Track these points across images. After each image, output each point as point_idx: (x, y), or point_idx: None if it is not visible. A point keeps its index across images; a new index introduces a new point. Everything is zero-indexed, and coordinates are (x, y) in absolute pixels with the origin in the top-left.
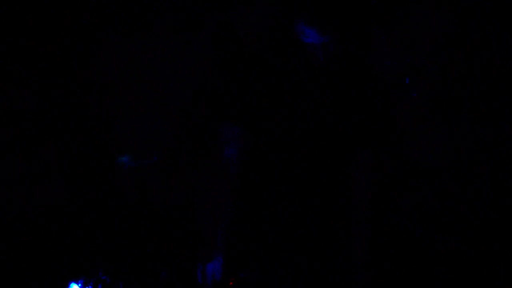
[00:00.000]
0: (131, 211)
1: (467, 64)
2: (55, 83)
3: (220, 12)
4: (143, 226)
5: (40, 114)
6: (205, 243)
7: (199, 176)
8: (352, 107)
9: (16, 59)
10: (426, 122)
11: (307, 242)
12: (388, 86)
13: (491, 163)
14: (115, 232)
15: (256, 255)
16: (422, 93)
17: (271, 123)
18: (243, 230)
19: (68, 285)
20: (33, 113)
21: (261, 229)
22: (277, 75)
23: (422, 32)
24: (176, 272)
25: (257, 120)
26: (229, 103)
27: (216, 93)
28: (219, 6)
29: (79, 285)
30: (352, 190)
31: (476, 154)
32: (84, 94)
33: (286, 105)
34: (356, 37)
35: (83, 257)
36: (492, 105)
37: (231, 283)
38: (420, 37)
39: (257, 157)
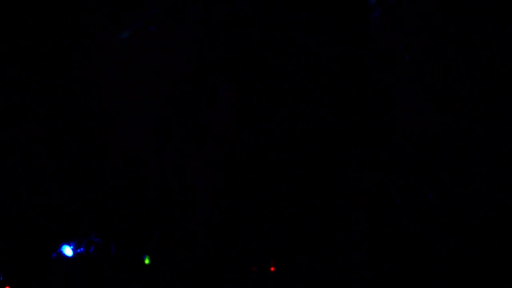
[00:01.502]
0: (123, 176)
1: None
2: (54, 82)
3: None
4: (134, 190)
5: (40, 113)
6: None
7: (194, 139)
8: (352, 106)
9: (16, 59)
10: (426, 121)
11: (307, 242)
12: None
13: (491, 162)
14: (107, 196)
15: (256, 255)
16: (423, 88)
17: (268, 90)
18: (244, 230)
19: (60, 246)
20: (33, 113)
21: (262, 229)
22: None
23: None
24: (167, 234)
25: (254, 82)
26: (225, 64)
27: (212, 54)
28: None
29: (71, 247)
30: (352, 190)
31: (476, 154)
32: (77, 67)
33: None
34: (356, 37)
35: (75, 219)
36: (492, 104)
37: (272, 268)
38: (418, 17)
39: (257, 157)
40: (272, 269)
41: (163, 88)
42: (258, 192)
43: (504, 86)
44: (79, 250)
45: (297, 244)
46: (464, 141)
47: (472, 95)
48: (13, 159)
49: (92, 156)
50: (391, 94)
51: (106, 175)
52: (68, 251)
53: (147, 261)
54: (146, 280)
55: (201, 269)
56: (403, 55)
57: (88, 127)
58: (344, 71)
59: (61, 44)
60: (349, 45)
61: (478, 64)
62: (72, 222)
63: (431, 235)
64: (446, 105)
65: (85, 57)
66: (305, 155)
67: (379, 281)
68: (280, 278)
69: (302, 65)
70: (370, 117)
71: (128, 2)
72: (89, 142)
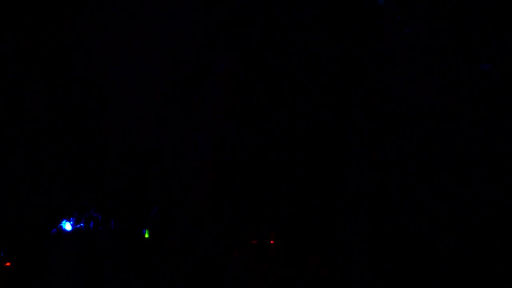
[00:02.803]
0: (122, 152)
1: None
2: (54, 82)
3: None
4: (134, 165)
5: (42, 114)
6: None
7: (193, 112)
8: (352, 106)
9: (17, 59)
10: (427, 121)
11: (307, 242)
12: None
13: (491, 162)
14: (107, 171)
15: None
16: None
17: (268, 89)
18: (244, 229)
19: (60, 222)
20: (34, 113)
21: (261, 228)
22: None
23: None
24: (166, 209)
25: (254, 56)
26: (225, 37)
27: (213, 27)
28: None
29: (71, 222)
30: (352, 189)
31: (476, 154)
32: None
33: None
34: (356, 37)
35: (75, 195)
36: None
37: (272, 242)
38: None
39: (257, 157)
40: (272, 242)
41: (163, 67)
42: (257, 191)
43: (506, 85)
44: (79, 225)
45: (297, 245)
46: (464, 142)
47: (473, 95)
48: (13, 139)
49: (91, 133)
50: (392, 93)
51: (106, 151)
52: (68, 227)
53: (147, 235)
54: (146, 254)
55: (202, 243)
56: (403, 56)
57: (86, 104)
58: (344, 71)
59: (61, 44)
60: (349, 45)
61: (480, 64)
62: (72, 197)
63: (431, 235)
64: (447, 106)
65: (85, 54)
66: (305, 155)
67: (379, 281)
68: (280, 270)
69: (302, 65)
70: (370, 117)
71: None
72: (88, 120)
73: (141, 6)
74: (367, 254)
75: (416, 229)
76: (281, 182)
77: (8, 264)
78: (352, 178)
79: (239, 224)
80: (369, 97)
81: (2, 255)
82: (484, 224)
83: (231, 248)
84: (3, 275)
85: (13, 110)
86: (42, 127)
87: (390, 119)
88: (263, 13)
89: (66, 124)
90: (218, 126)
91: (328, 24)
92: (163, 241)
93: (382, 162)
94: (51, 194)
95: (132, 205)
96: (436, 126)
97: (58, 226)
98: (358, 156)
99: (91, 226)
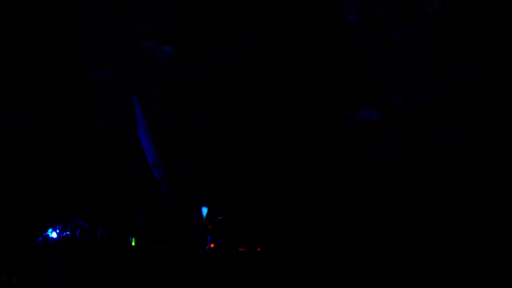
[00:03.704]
0: (107, 157)
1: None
2: (54, 83)
3: None
4: (119, 172)
5: (41, 114)
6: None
7: (192, 112)
8: (352, 106)
9: (17, 59)
10: (426, 122)
11: (307, 243)
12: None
13: (491, 162)
14: (92, 178)
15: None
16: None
17: (268, 90)
18: (243, 229)
19: (46, 231)
20: (33, 113)
21: (261, 228)
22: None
23: None
24: (153, 216)
25: (254, 82)
26: (225, 37)
27: (213, 27)
28: None
29: (57, 231)
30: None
31: (476, 154)
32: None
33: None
34: (356, 37)
35: (61, 203)
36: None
37: (258, 249)
38: None
39: (257, 158)
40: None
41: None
42: (257, 192)
43: (506, 85)
44: (65, 234)
45: (298, 245)
46: (464, 142)
47: (473, 95)
48: (4, 146)
49: (76, 142)
50: (392, 93)
51: (91, 160)
52: (54, 235)
53: (133, 243)
54: (134, 262)
55: (189, 251)
56: (403, 56)
57: (85, 105)
58: (344, 71)
59: (61, 44)
60: (349, 45)
61: (481, 64)
62: (58, 206)
63: (431, 235)
64: (447, 106)
65: (84, 56)
66: (305, 155)
67: (379, 281)
68: (280, 270)
69: (302, 65)
70: (370, 116)
71: None
72: (87, 120)
73: (141, 6)
74: (367, 254)
75: (416, 229)
76: (281, 182)
77: None
78: (352, 178)
79: (239, 225)
80: (369, 97)
81: None
82: (484, 224)
83: (231, 249)
84: None
85: (13, 110)
86: (39, 128)
87: (390, 119)
88: (263, 13)
89: (63, 125)
90: (218, 126)
91: (328, 24)
92: (151, 249)
93: (382, 162)
94: (36, 203)
95: (120, 211)
96: (436, 126)
97: (44, 234)
98: (358, 156)
99: (77, 234)
